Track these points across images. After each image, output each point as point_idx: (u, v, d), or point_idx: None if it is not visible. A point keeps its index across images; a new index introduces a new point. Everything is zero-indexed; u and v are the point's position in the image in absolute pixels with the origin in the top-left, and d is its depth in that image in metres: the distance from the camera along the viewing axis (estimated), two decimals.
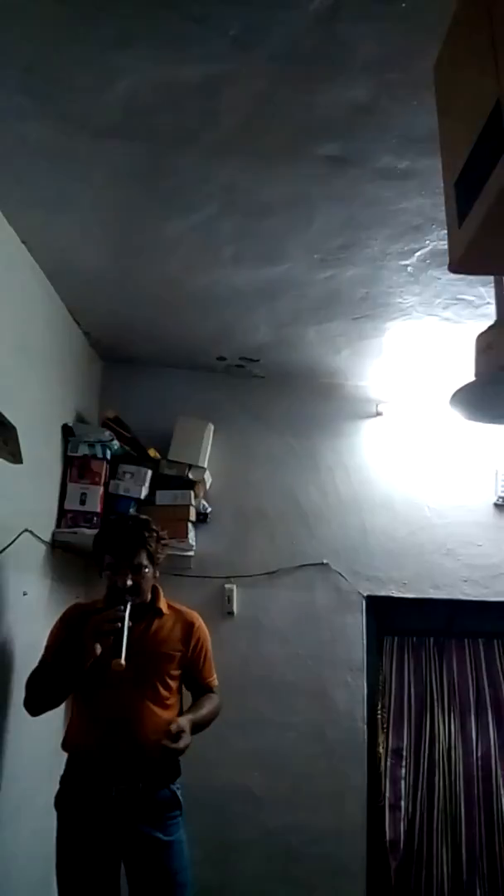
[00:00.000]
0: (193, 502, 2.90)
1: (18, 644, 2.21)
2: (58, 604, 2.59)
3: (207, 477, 3.01)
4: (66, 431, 2.68)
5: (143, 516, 2.20)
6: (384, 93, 1.46)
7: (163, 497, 2.87)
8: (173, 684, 2.08)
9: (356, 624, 3.02)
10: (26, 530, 2.23)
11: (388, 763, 2.96)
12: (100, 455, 2.71)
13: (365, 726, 2.94)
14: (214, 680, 2.20)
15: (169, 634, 2.11)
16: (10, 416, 1.84)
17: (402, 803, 2.92)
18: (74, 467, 2.69)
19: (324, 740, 2.89)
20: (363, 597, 3.04)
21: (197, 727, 2.00)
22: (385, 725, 3.00)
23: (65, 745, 2.08)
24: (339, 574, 3.05)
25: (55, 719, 2.62)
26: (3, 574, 2.10)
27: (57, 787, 2.06)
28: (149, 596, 2.10)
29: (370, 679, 3.00)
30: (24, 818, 2.26)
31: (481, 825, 2.89)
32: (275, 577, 3.03)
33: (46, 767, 2.51)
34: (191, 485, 2.93)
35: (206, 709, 2.09)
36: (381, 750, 2.95)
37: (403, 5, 1.25)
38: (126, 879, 2.00)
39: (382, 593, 3.05)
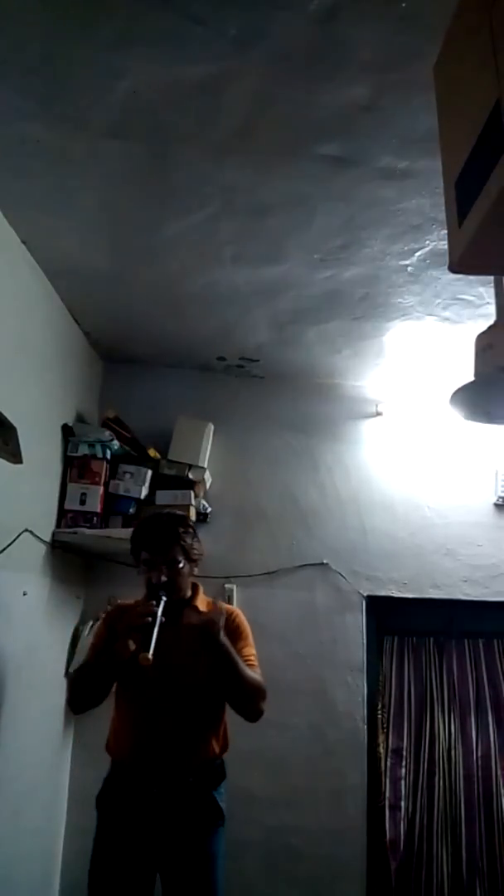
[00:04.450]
0: (193, 502, 2.90)
1: (18, 644, 2.21)
2: (58, 604, 2.60)
3: (207, 477, 3.01)
4: (66, 431, 2.68)
5: (179, 512, 2.18)
6: (384, 93, 1.46)
7: (163, 497, 2.86)
8: (212, 682, 1.99)
9: (356, 624, 3.02)
10: (26, 530, 2.24)
11: (388, 763, 2.96)
12: (100, 455, 2.71)
13: (365, 726, 2.94)
14: (254, 663, 2.04)
15: None
16: (10, 416, 1.84)
17: (402, 803, 2.92)
18: (74, 467, 2.69)
19: (324, 740, 2.89)
20: (363, 597, 3.04)
21: (232, 661, 1.91)
22: (385, 725, 3.00)
23: (107, 747, 2.03)
24: (339, 574, 3.05)
25: (55, 719, 2.63)
26: (3, 574, 2.10)
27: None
28: (187, 592, 2.07)
29: (370, 679, 3.00)
30: (25, 818, 2.26)
31: (481, 825, 2.89)
32: (275, 577, 3.04)
33: (47, 767, 2.52)
34: (191, 485, 2.93)
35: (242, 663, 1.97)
36: (381, 750, 2.95)
37: (403, 5, 1.25)
38: (161, 887, 1.94)
39: (382, 593, 3.05)
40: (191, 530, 2.10)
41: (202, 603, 2.11)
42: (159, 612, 1.85)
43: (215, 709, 2.02)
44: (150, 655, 1.74)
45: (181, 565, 2.02)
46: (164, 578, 1.97)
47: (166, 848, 1.90)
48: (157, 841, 1.90)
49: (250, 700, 1.97)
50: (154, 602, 1.89)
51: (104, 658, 1.94)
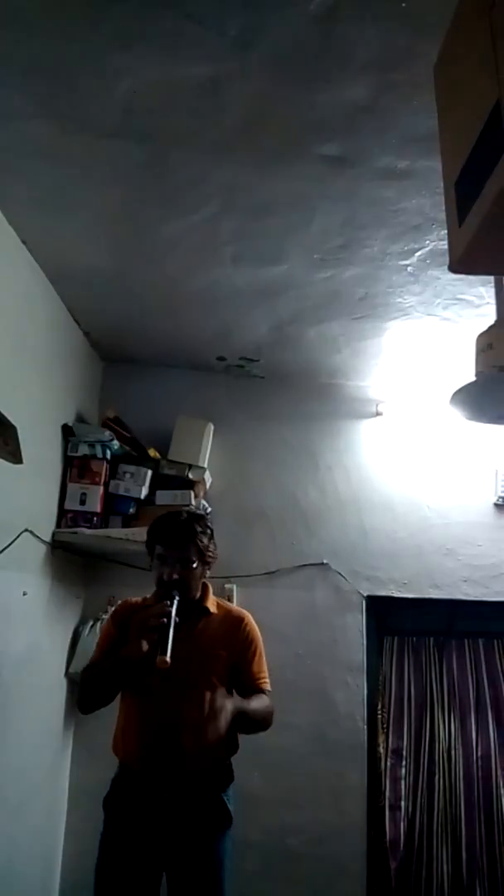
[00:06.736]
0: (193, 502, 2.90)
1: (19, 644, 2.21)
2: (58, 604, 2.60)
3: (207, 477, 3.01)
4: (66, 431, 2.68)
5: (199, 511, 2.14)
6: (384, 93, 1.46)
7: (163, 497, 2.86)
8: (222, 687, 1.97)
9: (356, 624, 3.02)
10: (26, 530, 2.24)
11: (388, 763, 2.96)
12: (100, 455, 2.71)
13: (365, 726, 2.94)
14: (266, 681, 2.05)
15: (216, 634, 2.01)
16: (10, 416, 1.84)
17: (402, 803, 2.92)
18: (74, 467, 2.69)
19: (324, 740, 2.89)
20: (363, 597, 3.04)
21: (245, 720, 1.91)
22: (385, 725, 3.00)
23: (114, 748, 2.01)
24: (339, 574, 3.05)
25: (55, 719, 2.63)
26: (3, 574, 2.10)
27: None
28: (197, 593, 2.03)
29: (370, 679, 3.00)
30: (25, 818, 2.26)
31: (481, 825, 2.90)
32: (275, 577, 3.04)
33: (47, 767, 2.52)
34: (191, 485, 2.93)
35: (254, 704, 1.95)
36: (381, 750, 2.95)
37: (403, 5, 1.25)
38: (167, 889, 1.92)
39: (382, 593, 3.05)
40: (209, 531, 2.04)
41: (212, 604, 2.07)
42: (173, 613, 1.82)
43: (223, 710, 1.97)
44: (167, 658, 1.71)
45: (194, 565, 1.97)
46: (175, 576, 1.93)
47: (173, 849, 1.89)
48: (165, 842, 1.88)
49: (261, 730, 2.00)
50: (168, 602, 1.85)
51: (115, 659, 1.90)
